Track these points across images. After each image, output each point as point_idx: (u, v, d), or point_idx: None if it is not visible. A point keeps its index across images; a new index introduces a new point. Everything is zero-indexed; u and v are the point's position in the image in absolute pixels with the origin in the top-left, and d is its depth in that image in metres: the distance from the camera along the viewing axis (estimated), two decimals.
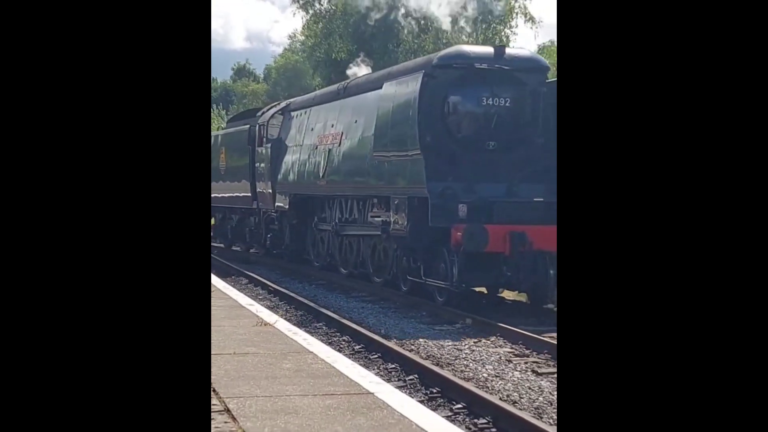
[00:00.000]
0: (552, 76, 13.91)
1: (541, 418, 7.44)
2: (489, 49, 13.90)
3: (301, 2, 33.55)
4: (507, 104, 13.37)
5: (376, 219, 14.93)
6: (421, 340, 11.34)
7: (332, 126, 17.50)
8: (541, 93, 13.45)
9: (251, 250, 24.63)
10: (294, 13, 33.06)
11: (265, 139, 21.59)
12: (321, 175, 17.56)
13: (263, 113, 22.94)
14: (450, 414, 7.63)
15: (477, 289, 14.02)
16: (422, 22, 28.48)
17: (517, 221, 12.54)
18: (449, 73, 13.48)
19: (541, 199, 12.81)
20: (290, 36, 36.67)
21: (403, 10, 25.95)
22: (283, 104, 22.42)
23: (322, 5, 33.22)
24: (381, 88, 14.82)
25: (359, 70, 22.14)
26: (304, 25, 35.78)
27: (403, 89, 13.75)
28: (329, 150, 17.24)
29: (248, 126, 23.31)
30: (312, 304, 14.26)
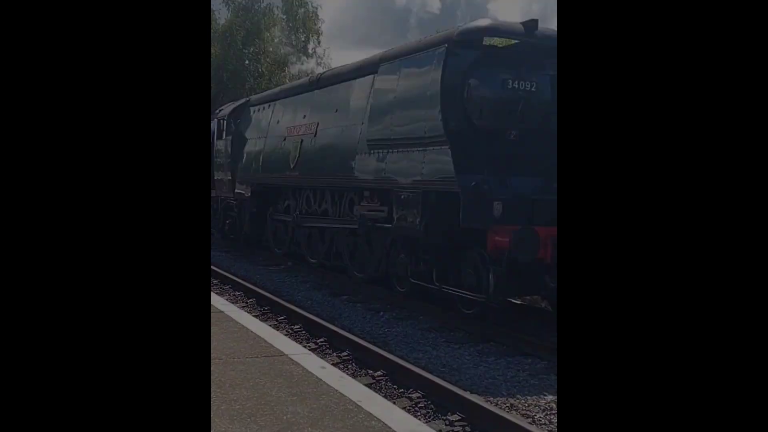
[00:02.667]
0: None
1: (334, 323, 8.40)
2: (517, 25, 8.85)
3: None
4: (533, 89, 8.48)
5: (369, 213, 9.92)
6: (257, 276, 12.59)
7: (303, 117, 12.95)
8: None
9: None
10: None
11: (224, 133, 17.79)
12: (291, 165, 12.68)
13: (221, 110, 19.03)
14: (275, 323, 8.69)
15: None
16: (260, 69, 31.97)
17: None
18: (470, 53, 8.52)
19: None
20: None
21: (247, 61, 31.26)
22: (242, 101, 18.58)
23: None
24: (376, 72, 9.90)
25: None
26: None
27: (415, 69, 8.80)
28: (301, 140, 12.32)
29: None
30: None
